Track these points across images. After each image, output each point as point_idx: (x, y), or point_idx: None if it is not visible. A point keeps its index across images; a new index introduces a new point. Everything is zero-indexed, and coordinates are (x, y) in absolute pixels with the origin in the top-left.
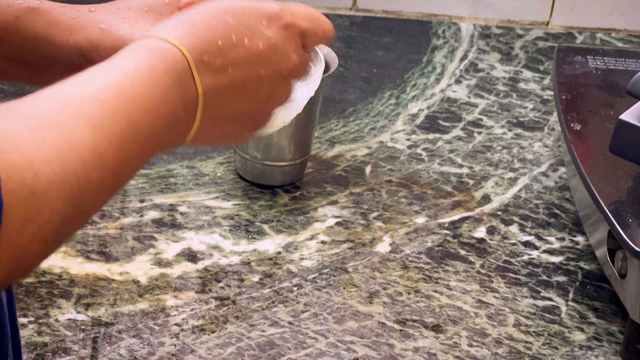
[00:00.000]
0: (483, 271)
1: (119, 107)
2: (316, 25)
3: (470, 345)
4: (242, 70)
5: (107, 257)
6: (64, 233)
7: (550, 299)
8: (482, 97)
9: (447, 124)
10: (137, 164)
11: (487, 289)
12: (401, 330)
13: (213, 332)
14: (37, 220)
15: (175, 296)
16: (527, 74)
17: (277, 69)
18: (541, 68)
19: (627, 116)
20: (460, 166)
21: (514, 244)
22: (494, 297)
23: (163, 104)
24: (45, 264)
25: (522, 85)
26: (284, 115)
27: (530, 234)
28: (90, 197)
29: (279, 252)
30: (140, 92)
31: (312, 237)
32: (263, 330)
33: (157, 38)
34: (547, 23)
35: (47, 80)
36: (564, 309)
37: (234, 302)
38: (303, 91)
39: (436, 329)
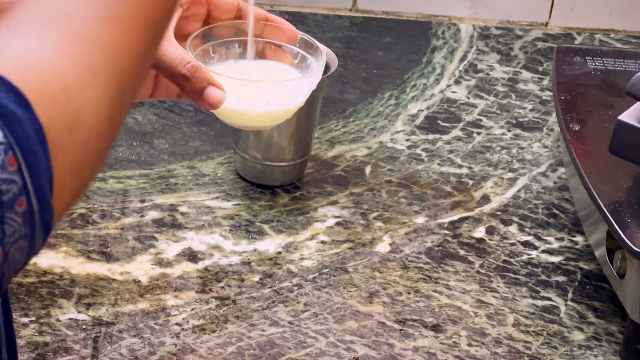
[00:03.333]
0: (482, 271)
1: None
2: None
3: (469, 345)
4: None
5: (108, 257)
6: (115, 121)
7: (549, 299)
8: (481, 97)
9: (446, 124)
10: (161, 13)
11: (486, 288)
12: (401, 330)
13: (213, 331)
14: (84, 122)
15: (176, 296)
16: (526, 74)
17: None
18: (540, 69)
19: (626, 117)
20: (460, 166)
21: (513, 244)
22: (494, 297)
23: None
24: (46, 264)
25: (521, 85)
26: (286, 108)
27: (529, 234)
28: (127, 68)
29: (279, 252)
30: None
31: (312, 237)
32: (263, 330)
33: None
34: (546, 24)
35: None
36: (563, 308)
37: (234, 301)
38: (305, 83)
39: (436, 328)
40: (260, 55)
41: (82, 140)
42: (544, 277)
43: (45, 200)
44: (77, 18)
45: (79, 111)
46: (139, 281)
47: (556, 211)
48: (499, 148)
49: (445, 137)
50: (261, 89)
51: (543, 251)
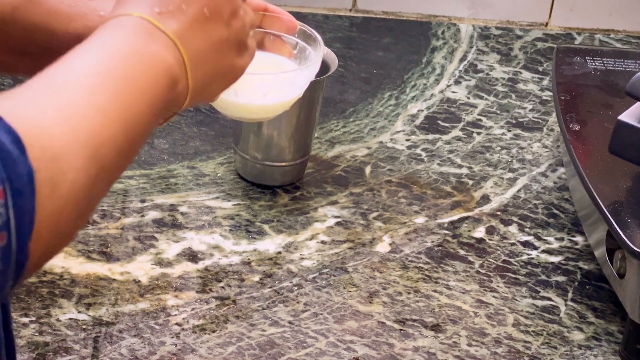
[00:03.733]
0: (482, 271)
1: (110, 71)
2: None
3: (469, 345)
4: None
5: (108, 257)
6: (92, 195)
7: (549, 299)
8: (481, 97)
9: (446, 124)
10: (144, 119)
11: (486, 288)
12: (401, 330)
13: (214, 331)
14: (64, 183)
15: (176, 296)
16: (526, 74)
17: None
18: (540, 69)
19: (626, 117)
20: (460, 166)
21: (513, 244)
22: (493, 296)
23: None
24: (46, 264)
25: (521, 85)
26: (284, 100)
27: (529, 234)
28: (108, 153)
29: (279, 252)
30: (124, 62)
31: (312, 237)
32: (263, 330)
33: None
34: (546, 24)
35: None
36: (563, 308)
37: (234, 301)
38: (303, 75)
39: (436, 328)
40: (259, 46)
41: (61, 199)
42: (543, 277)
43: (23, 240)
44: (73, 104)
45: (61, 172)
46: (139, 281)
47: (556, 211)
48: (498, 148)
49: (445, 137)
50: (258, 81)
51: (543, 251)
